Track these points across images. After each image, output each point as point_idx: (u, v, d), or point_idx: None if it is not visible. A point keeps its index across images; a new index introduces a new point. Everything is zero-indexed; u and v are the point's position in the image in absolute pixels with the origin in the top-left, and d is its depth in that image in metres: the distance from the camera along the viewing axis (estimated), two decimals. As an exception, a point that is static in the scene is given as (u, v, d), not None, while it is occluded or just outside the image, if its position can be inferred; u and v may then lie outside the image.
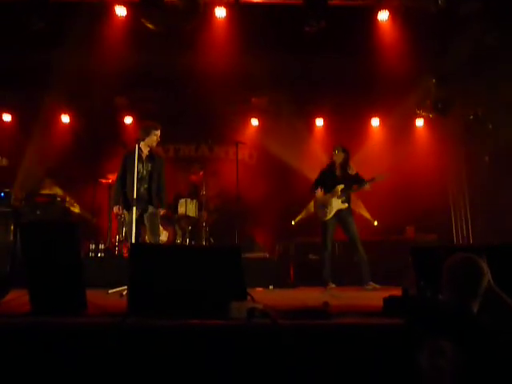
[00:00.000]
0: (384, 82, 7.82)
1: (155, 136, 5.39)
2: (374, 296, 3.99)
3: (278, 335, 2.54)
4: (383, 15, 7.08)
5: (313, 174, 8.52)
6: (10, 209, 6.94)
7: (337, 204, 6.09)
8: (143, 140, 5.28)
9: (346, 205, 6.12)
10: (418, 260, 3.25)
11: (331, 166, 6.36)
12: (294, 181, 8.63)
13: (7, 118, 8.96)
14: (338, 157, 6.27)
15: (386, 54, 7.29)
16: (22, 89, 8.25)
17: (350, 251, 6.85)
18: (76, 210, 8.17)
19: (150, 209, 5.25)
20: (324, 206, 6.13)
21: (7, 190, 7.09)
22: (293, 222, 8.80)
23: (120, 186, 5.39)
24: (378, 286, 5.75)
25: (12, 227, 6.88)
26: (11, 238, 6.79)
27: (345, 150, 6.32)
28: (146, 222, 5.24)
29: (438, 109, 7.98)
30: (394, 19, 7.13)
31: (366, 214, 8.86)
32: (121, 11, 6.93)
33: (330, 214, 6.08)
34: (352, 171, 6.26)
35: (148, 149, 5.36)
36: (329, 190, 6.17)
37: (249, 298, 3.09)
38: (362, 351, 2.43)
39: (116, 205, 5.33)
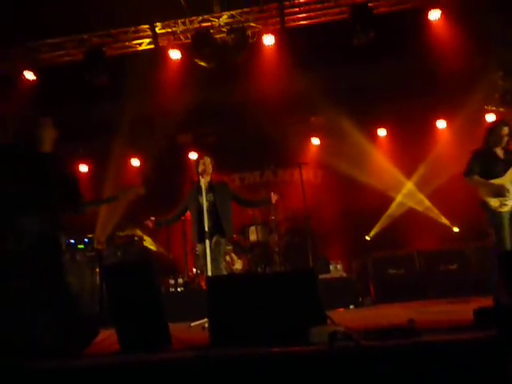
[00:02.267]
0: (445, 81, 7.56)
1: (200, 165, 5.24)
2: (462, 309, 3.75)
3: (362, 358, 2.44)
4: (434, 14, 6.89)
5: (381, 186, 8.37)
6: (94, 252, 7.37)
7: None
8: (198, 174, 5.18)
9: None
10: (508, 266, 3.01)
11: (490, 146, 5.01)
12: (362, 195, 8.45)
13: (84, 168, 9.61)
14: (504, 134, 4.92)
15: (443, 53, 7.06)
16: (94, 140, 8.85)
17: (431, 262, 6.53)
18: (153, 247, 8.50)
19: (214, 238, 5.07)
20: (498, 194, 4.78)
21: (90, 236, 7.54)
22: (367, 237, 8.56)
23: (172, 217, 5.52)
24: None
25: (97, 269, 7.28)
26: (97, 280, 7.18)
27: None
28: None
29: (508, 101, 7.52)
30: (447, 16, 6.90)
31: (444, 220, 8.43)
32: (175, 55, 7.29)
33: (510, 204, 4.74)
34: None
35: (207, 179, 5.20)
36: (494, 174, 4.87)
37: (329, 321, 3.02)
38: (455, 369, 2.27)
39: (152, 219, 5.32)
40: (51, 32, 7.28)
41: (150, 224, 5.30)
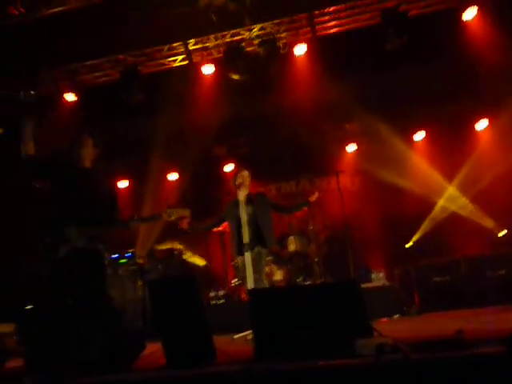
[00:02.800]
0: (485, 80, 7.36)
1: (239, 178, 5.27)
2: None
3: (412, 371, 2.38)
4: (469, 13, 6.75)
5: (422, 190, 8.17)
6: (136, 266, 7.51)
7: None
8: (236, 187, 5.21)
9: None
10: None
11: None
12: (402, 200, 8.28)
13: (124, 184, 9.85)
14: None
15: (480, 52, 6.88)
16: (132, 156, 9.07)
17: (477, 268, 6.30)
18: (193, 260, 8.59)
19: (255, 250, 5.09)
20: None
21: (132, 250, 7.70)
22: (407, 245, 8.36)
23: (206, 225, 5.56)
24: None
25: (139, 283, 7.41)
26: (140, 293, 7.30)
27: None
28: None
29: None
30: (483, 14, 6.73)
31: (487, 223, 8.11)
32: (208, 69, 7.42)
33: None
34: None
35: (246, 192, 5.23)
36: None
37: (375, 333, 2.96)
38: None
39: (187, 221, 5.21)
40: (89, 54, 7.57)
41: (185, 226, 5.24)
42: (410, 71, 7.68)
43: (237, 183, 5.15)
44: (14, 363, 3.57)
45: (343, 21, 7.07)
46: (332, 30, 7.15)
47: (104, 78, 7.90)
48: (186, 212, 3.85)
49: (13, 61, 7.26)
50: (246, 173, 5.27)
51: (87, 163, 3.80)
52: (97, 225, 3.59)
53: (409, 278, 7.09)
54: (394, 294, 6.37)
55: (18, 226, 7.38)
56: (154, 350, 3.63)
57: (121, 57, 7.54)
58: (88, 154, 3.79)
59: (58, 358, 3.29)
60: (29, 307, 6.59)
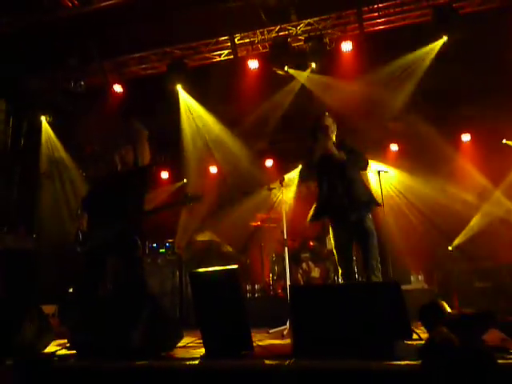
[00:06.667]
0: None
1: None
2: None
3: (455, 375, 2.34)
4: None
5: (466, 193, 7.94)
6: (174, 257, 7.65)
7: None
8: None
9: None
10: None
11: None
12: (445, 203, 8.05)
13: (165, 175, 10.03)
14: None
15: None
16: (174, 148, 9.21)
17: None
18: (230, 252, 8.65)
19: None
20: None
21: (171, 240, 7.85)
22: (450, 247, 8.14)
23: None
24: None
25: (177, 273, 7.54)
26: (177, 283, 7.43)
27: None
28: None
29: None
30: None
31: None
32: (253, 64, 7.44)
33: None
34: None
35: None
36: None
37: (415, 335, 2.93)
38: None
39: None
40: (138, 46, 7.74)
41: None
42: (460, 69, 7.46)
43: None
44: (58, 344, 3.72)
45: (392, 18, 6.94)
46: (380, 27, 7.03)
47: (151, 71, 8.07)
48: (200, 200, 4.18)
49: (65, 52, 7.52)
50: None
51: (119, 167, 4.25)
52: (125, 216, 3.92)
53: (449, 282, 6.91)
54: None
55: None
56: (191, 339, 3.71)
57: (168, 49, 7.68)
58: (123, 158, 4.26)
59: (98, 343, 3.38)
60: (70, 291, 6.87)
